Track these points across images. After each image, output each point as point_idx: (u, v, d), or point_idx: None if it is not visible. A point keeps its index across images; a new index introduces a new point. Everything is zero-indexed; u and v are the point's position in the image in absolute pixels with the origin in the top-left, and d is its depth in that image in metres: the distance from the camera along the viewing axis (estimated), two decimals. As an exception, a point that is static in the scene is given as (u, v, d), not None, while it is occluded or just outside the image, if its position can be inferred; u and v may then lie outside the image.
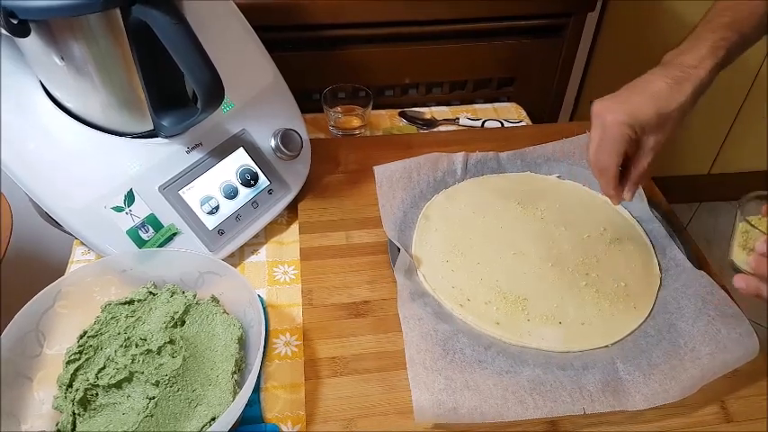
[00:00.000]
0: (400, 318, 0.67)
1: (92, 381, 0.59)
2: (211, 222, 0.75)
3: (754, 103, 1.74)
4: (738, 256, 0.63)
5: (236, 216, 0.77)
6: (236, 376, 0.61)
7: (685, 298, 0.69)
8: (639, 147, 0.65)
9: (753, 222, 0.62)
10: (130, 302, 0.66)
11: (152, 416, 0.56)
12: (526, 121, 1.06)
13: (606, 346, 0.67)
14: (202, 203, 0.75)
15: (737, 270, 0.62)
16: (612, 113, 0.62)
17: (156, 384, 0.58)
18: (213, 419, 0.57)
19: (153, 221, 0.71)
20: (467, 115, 1.05)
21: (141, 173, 0.71)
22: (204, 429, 0.57)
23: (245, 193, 0.78)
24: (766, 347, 0.67)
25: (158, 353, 0.60)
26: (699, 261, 0.75)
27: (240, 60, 0.81)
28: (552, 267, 0.75)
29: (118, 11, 0.60)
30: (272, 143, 0.80)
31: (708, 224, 2.04)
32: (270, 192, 0.80)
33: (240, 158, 0.78)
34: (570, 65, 1.20)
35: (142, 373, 0.59)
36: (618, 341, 0.67)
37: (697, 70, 0.62)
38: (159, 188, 0.72)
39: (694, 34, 0.65)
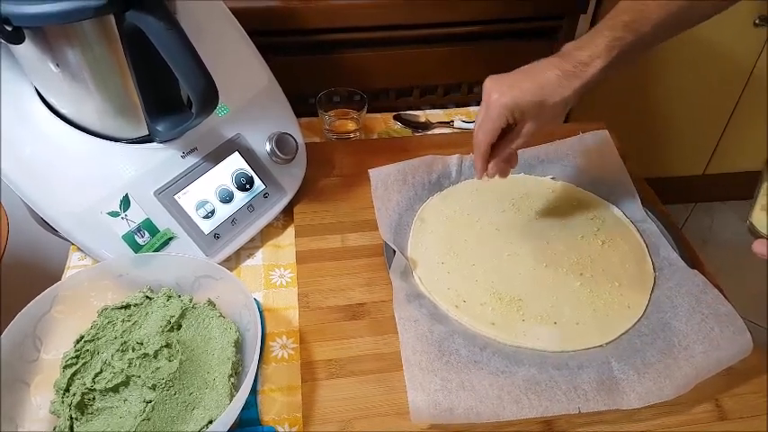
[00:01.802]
0: (396, 319, 0.67)
1: (89, 385, 0.59)
2: (207, 226, 0.75)
3: (749, 103, 1.75)
4: (760, 219, 0.62)
5: (232, 220, 0.77)
6: (232, 379, 0.61)
7: (679, 297, 0.70)
8: (515, 130, 0.67)
9: None
10: (127, 307, 0.66)
11: (149, 419, 0.57)
12: (520, 123, 1.06)
13: (601, 346, 0.67)
14: (198, 208, 0.75)
15: (756, 234, 0.61)
16: (498, 94, 0.64)
17: (153, 388, 0.59)
18: (210, 422, 0.57)
19: (149, 226, 0.72)
20: (461, 118, 1.06)
21: (136, 178, 0.72)
22: (201, 432, 0.57)
23: (241, 197, 0.78)
24: (766, 346, 0.68)
25: (155, 357, 0.60)
26: (692, 260, 0.76)
27: (235, 65, 0.81)
28: (547, 268, 0.75)
29: (112, 17, 0.60)
30: (268, 147, 0.81)
31: (703, 224, 2.05)
32: (265, 195, 0.80)
33: (235, 162, 0.78)
34: (564, 67, 1.20)
35: (139, 376, 0.59)
36: (612, 340, 0.68)
37: (588, 68, 0.63)
38: (155, 193, 0.72)
39: (595, 29, 0.65)
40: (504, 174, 0.72)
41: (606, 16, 0.65)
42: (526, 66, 0.66)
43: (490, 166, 0.69)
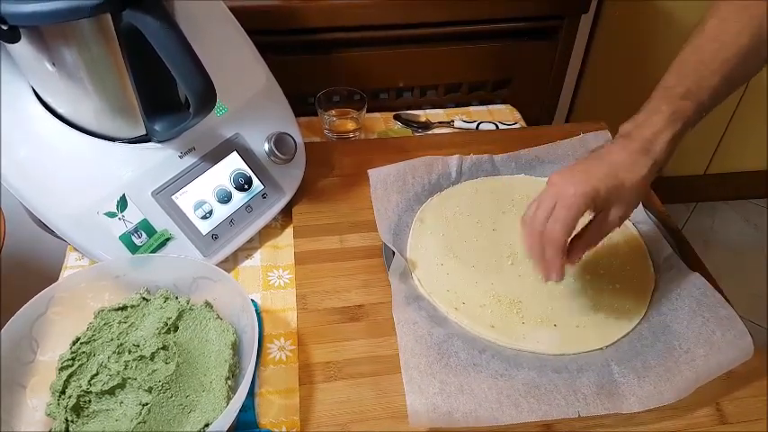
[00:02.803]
0: (395, 321, 0.67)
1: (85, 387, 0.59)
2: (205, 227, 0.75)
3: (751, 102, 1.74)
4: None
5: (230, 220, 0.77)
6: (229, 382, 0.60)
7: (680, 299, 0.69)
8: (596, 220, 0.62)
9: None
10: (123, 308, 0.66)
11: (145, 422, 0.56)
12: (521, 124, 1.06)
13: (601, 349, 0.67)
14: (196, 208, 0.74)
15: None
16: (573, 185, 0.59)
17: (150, 390, 0.58)
18: (207, 425, 0.57)
19: (146, 227, 0.71)
20: (461, 118, 1.05)
21: (134, 178, 0.71)
22: (198, 435, 0.57)
23: (239, 198, 0.78)
24: (766, 347, 0.67)
25: (151, 359, 0.60)
26: (693, 262, 0.75)
27: (233, 64, 0.80)
28: (547, 270, 0.75)
29: (108, 16, 0.59)
30: (266, 147, 0.80)
31: (705, 225, 2.05)
32: (264, 196, 0.80)
33: (234, 163, 0.78)
34: (564, 67, 1.20)
35: (135, 379, 0.59)
36: (612, 343, 0.67)
37: (655, 145, 0.60)
38: (152, 193, 0.72)
39: (651, 105, 0.62)
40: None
41: (657, 90, 0.63)
42: (589, 156, 0.63)
43: (570, 262, 0.63)
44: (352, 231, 0.81)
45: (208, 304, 0.67)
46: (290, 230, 0.83)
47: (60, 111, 0.69)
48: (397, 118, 1.06)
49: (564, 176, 0.61)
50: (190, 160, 0.75)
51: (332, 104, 1.00)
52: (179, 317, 0.65)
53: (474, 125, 1.04)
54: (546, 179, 0.86)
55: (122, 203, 0.70)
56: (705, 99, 0.61)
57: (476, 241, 0.78)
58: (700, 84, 0.61)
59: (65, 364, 0.61)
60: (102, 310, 0.66)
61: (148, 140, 0.73)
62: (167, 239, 0.72)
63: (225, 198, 0.76)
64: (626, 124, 0.63)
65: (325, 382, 0.64)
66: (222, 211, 0.76)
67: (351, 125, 1.00)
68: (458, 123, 1.04)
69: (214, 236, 0.75)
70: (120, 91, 0.67)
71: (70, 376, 0.60)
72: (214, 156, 0.76)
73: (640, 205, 0.81)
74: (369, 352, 0.67)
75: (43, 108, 0.69)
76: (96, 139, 0.70)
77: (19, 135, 0.68)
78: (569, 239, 0.61)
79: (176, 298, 0.67)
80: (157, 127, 0.71)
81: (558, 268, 0.61)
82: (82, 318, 0.65)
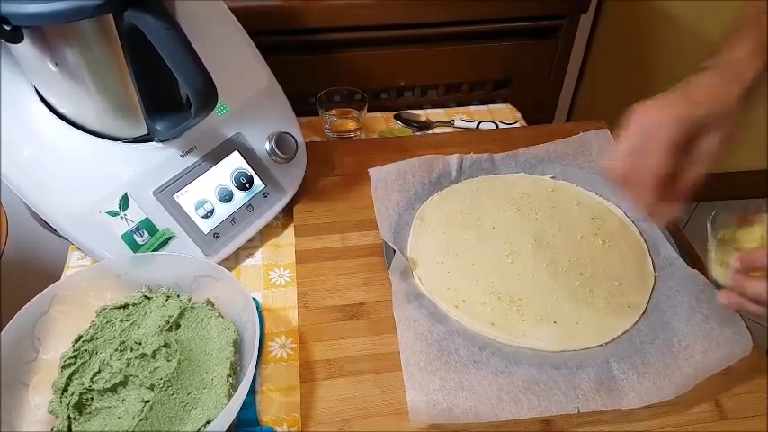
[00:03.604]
0: (395, 319, 0.67)
1: (87, 385, 0.59)
2: (206, 226, 0.75)
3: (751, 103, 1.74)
4: (718, 273, 0.60)
5: (231, 219, 0.77)
6: (231, 379, 0.61)
7: (679, 296, 0.69)
8: (692, 152, 0.57)
9: (725, 236, 0.61)
10: (125, 306, 0.66)
11: (147, 419, 0.57)
12: (521, 123, 1.06)
13: (601, 346, 0.67)
14: (197, 207, 0.75)
15: (719, 286, 0.59)
16: (661, 115, 0.54)
17: (151, 388, 0.59)
18: (208, 422, 0.57)
19: (148, 226, 0.72)
20: (462, 117, 1.06)
21: (136, 177, 0.71)
22: (199, 432, 0.57)
23: (241, 197, 0.78)
24: (766, 345, 0.67)
25: (153, 356, 0.60)
26: (692, 260, 0.75)
27: (234, 64, 0.81)
28: (546, 267, 0.75)
29: (110, 16, 0.60)
30: (267, 146, 0.81)
31: (704, 224, 2.04)
32: (265, 195, 0.80)
33: (235, 162, 0.78)
34: (565, 66, 1.21)
35: (137, 376, 0.59)
36: (612, 340, 0.68)
37: (743, 72, 0.56)
38: (154, 192, 0.72)
39: (732, 35, 0.58)
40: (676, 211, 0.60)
41: (739, 21, 0.59)
42: (673, 89, 0.58)
43: (676, 204, 0.58)
44: (352, 230, 0.81)
45: (209, 302, 0.67)
46: (290, 229, 0.83)
47: (62, 110, 0.70)
48: (397, 117, 1.07)
49: (649, 107, 0.56)
50: (191, 159, 0.75)
51: (333, 104, 1.01)
52: (180, 315, 0.65)
53: (474, 124, 1.04)
54: (546, 178, 0.88)
55: (124, 202, 0.70)
56: None
57: (476, 239, 0.79)
58: None
59: (67, 362, 0.61)
60: (105, 309, 0.66)
61: (150, 140, 0.73)
62: (169, 238, 0.73)
63: (226, 197, 0.77)
64: (712, 59, 0.58)
65: (326, 380, 0.65)
66: (223, 210, 0.77)
67: (351, 125, 1.00)
68: (458, 123, 1.05)
69: (215, 235, 0.76)
70: (122, 91, 0.68)
71: (72, 374, 0.61)
72: (215, 155, 0.77)
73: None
74: (369, 349, 0.68)
75: (45, 108, 0.69)
76: (98, 139, 0.71)
77: (21, 134, 0.68)
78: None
79: (178, 296, 0.67)
80: (159, 126, 0.71)
81: (652, 204, 0.57)
82: (84, 316, 0.66)
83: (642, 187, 0.56)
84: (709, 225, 0.61)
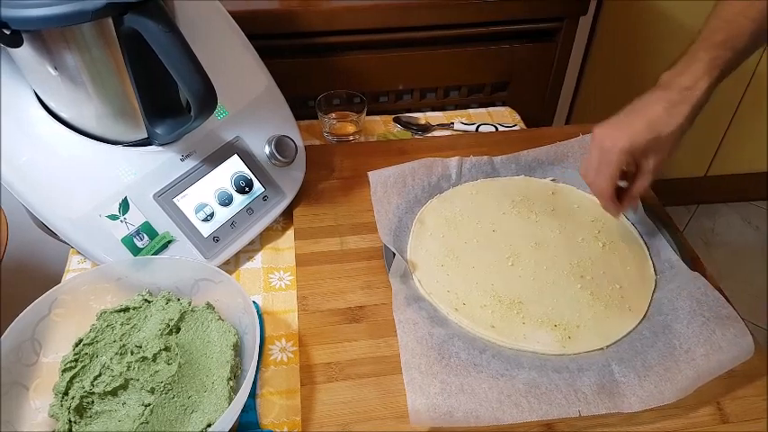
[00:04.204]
0: (395, 322, 0.67)
1: (87, 388, 0.59)
2: (206, 229, 0.75)
3: (751, 103, 1.75)
4: None
5: (231, 223, 0.77)
6: (231, 383, 0.61)
7: (680, 299, 0.69)
8: (639, 168, 0.69)
9: None
10: (126, 310, 0.66)
11: (147, 423, 0.57)
12: (520, 125, 1.06)
13: (601, 349, 0.67)
14: (197, 211, 0.75)
15: None
16: (611, 140, 0.66)
17: (152, 391, 0.58)
18: (209, 426, 0.57)
19: (148, 229, 0.72)
20: (461, 120, 1.06)
21: (136, 181, 0.71)
22: (200, 436, 0.57)
23: (240, 200, 0.78)
24: (766, 348, 0.67)
25: (153, 360, 0.60)
26: (693, 263, 0.75)
27: (234, 68, 0.81)
28: (547, 270, 0.75)
29: (110, 20, 0.60)
30: (267, 150, 0.81)
31: (706, 226, 2.05)
32: (265, 198, 0.80)
33: (235, 165, 0.78)
34: (564, 68, 1.21)
35: (137, 380, 0.59)
36: (613, 343, 0.67)
37: (693, 91, 0.65)
38: (154, 196, 0.72)
39: (689, 54, 0.66)
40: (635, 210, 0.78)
41: (696, 40, 0.67)
42: (629, 106, 0.68)
43: (626, 206, 0.73)
44: (352, 233, 0.81)
45: (209, 306, 0.67)
46: (290, 232, 0.83)
47: (62, 114, 0.70)
48: (396, 121, 1.07)
49: (604, 131, 0.68)
50: (191, 163, 0.75)
51: (332, 107, 1.01)
52: (181, 318, 0.65)
53: (473, 127, 1.04)
54: (546, 180, 0.88)
55: (124, 206, 0.70)
56: (741, 47, 0.65)
57: (476, 242, 0.79)
58: (736, 32, 0.65)
59: (68, 365, 0.61)
60: (105, 312, 0.66)
61: (150, 144, 0.73)
62: (169, 242, 0.73)
63: (226, 200, 0.77)
64: (665, 74, 0.67)
65: (326, 383, 0.65)
66: (223, 214, 0.77)
67: (351, 128, 1.00)
68: (457, 125, 1.05)
69: (215, 238, 0.76)
70: (122, 94, 0.68)
71: (73, 377, 0.61)
72: (215, 158, 0.77)
73: (641, 207, 0.81)
74: (370, 353, 0.67)
75: (45, 111, 0.70)
76: (98, 143, 0.71)
77: (21, 138, 0.68)
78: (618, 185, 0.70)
79: (178, 300, 0.67)
80: (159, 130, 0.71)
81: (613, 212, 0.74)
82: (84, 320, 0.66)
83: (600, 192, 0.71)
84: None
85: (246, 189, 0.78)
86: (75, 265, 0.79)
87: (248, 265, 0.80)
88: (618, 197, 0.72)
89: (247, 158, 0.79)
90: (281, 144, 0.81)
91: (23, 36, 0.58)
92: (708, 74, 0.64)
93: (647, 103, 0.67)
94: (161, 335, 0.63)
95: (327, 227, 0.82)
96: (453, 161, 0.88)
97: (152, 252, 0.72)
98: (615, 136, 0.66)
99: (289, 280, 0.78)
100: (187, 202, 0.74)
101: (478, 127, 1.04)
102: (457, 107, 1.18)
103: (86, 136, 0.71)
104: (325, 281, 0.75)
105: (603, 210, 0.73)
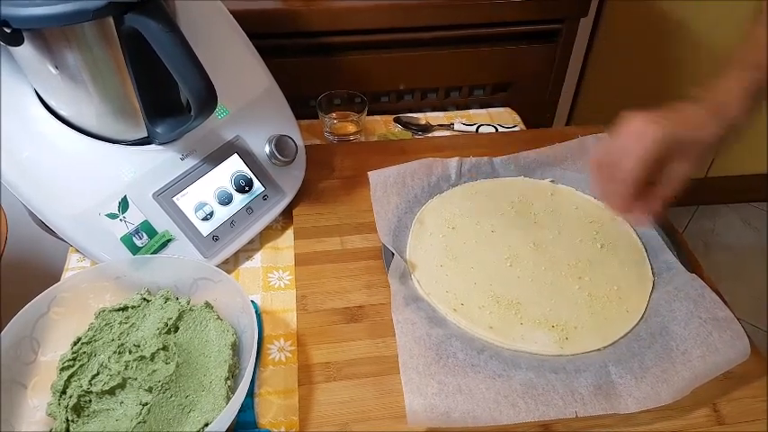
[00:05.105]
0: (393, 322, 0.67)
1: (85, 387, 0.59)
2: (206, 228, 0.75)
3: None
4: None
5: (231, 222, 0.77)
6: (229, 382, 0.61)
7: (677, 301, 0.69)
8: (664, 175, 0.62)
9: None
10: (124, 309, 0.66)
11: (145, 422, 0.57)
12: (520, 126, 1.06)
13: (599, 350, 0.67)
14: (197, 210, 0.75)
15: None
16: (650, 124, 0.59)
17: (150, 390, 0.59)
18: (206, 425, 0.57)
19: (147, 228, 0.72)
20: (461, 120, 1.06)
21: (135, 180, 0.72)
22: (197, 435, 0.57)
23: (240, 199, 0.78)
24: (766, 349, 0.67)
25: (152, 359, 0.60)
26: (691, 264, 0.75)
27: (234, 67, 0.81)
28: (545, 271, 0.75)
29: (111, 19, 0.60)
30: (267, 149, 0.81)
31: (706, 227, 2.05)
32: (264, 197, 0.80)
33: (234, 165, 0.78)
34: (564, 70, 1.21)
35: (135, 379, 0.59)
36: (610, 344, 0.68)
37: (729, 109, 0.60)
38: (153, 195, 0.72)
39: (724, 74, 0.62)
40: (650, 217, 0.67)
41: (729, 62, 0.63)
42: (663, 108, 0.62)
43: (647, 212, 0.64)
44: (352, 233, 0.81)
45: (208, 305, 0.67)
46: (290, 232, 0.83)
47: (62, 113, 0.70)
48: (397, 121, 1.07)
49: (640, 116, 0.60)
50: (191, 162, 0.75)
51: (333, 107, 1.01)
52: (179, 317, 0.65)
53: (474, 128, 1.04)
54: (545, 181, 0.88)
55: (124, 205, 0.71)
56: None
57: (475, 243, 0.79)
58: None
59: (66, 364, 0.61)
60: (103, 311, 0.66)
61: (150, 142, 0.73)
62: (168, 241, 0.73)
63: (226, 200, 0.77)
64: (695, 90, 0.62)
65: (324, 383, 0.65)
66: (223, 213, 0.77)
67: (351, 128, 1.01)
68: (457, 126, 1.05)
69: (215, 237, 0.76)
70: (122, 93, 0.68)
71: (71, 376, 0.61)
72: (215, 158, 0.77)
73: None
74: (369, 353, 0.68)
75: (45, 110, 0.70)
76: (98, 141, 0.71)
77: (21, 137, 0.69)
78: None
79: (177, 299, 0.67)
80: (159, 129, 0.71)
81: (623, 205, 0.63)
82: (83, 318, 0.66)
83: (613, 187, 0.62)
84: None
85: (246, 188, 0.79)
86: (74, 264, 0.79)
87: (247, 264, 0.80)
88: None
89: (247, 158, 0.79)
90: (281, 143, 0.81)
91: (24, 35, 0.59)
92: (743, 93, 0.60)
93: (682, 108, 0.61)
94: (159, 334, 0.63)
95: (327, 226, 0.82)
96: (453, 161, 0.88)
97: (151, 251, 0.72)
98: (654, 121, 0.59)
99: (288, 279, 0.78)
100: (187, 201, 0.74)
101: (479, 127, 1.04)
102: (457, 108, 1.18)
103: (86, 134, 0.71)
104: (324, 280, 0.75)
105: (605, 209, 0.66)
